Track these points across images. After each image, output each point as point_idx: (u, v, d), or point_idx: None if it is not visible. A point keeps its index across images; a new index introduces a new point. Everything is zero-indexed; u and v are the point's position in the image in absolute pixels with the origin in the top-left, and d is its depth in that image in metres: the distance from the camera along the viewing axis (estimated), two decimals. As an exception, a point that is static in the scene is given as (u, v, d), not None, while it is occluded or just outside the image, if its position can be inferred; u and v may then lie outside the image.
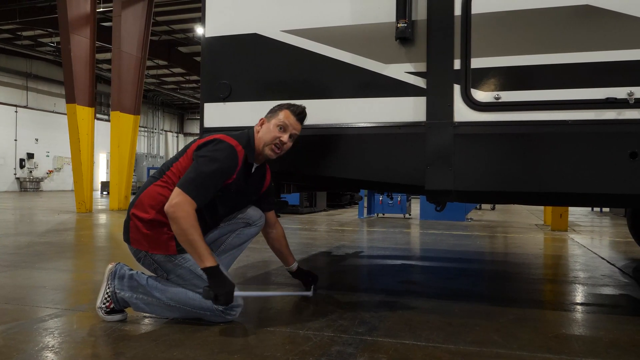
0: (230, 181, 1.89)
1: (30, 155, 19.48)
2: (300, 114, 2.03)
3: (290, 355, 1.54)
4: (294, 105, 2.04)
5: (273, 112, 2.04)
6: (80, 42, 8.32)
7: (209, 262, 1.75)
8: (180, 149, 2.01)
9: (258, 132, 2.02)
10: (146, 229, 1.86)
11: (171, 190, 1.85)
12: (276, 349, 1.60)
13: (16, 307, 2.12)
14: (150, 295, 1.87)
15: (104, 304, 1.88)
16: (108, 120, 11.25)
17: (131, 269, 1.95)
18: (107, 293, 1.89)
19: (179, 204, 1.75)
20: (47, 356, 1.53)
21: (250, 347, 1.63)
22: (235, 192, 1.96)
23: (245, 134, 2.00)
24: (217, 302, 1.77)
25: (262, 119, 2.06)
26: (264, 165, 2.11)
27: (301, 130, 2.07)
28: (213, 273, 1.75)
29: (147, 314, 1.93)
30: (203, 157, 1.84)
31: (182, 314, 1.87)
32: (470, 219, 7.73)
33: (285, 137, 1.99)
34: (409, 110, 2.08)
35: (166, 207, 1.76)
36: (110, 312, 1.88)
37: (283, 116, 2.00)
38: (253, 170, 2.03)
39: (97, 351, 1.61)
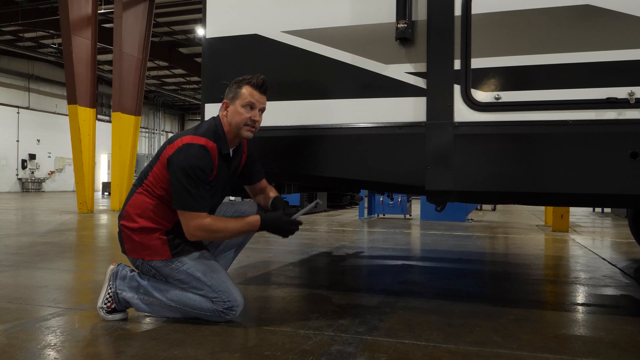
0: (211, 178, 1.87)
1: (32, 156, 19.52)
2: (262, 85, 1.92)
3: (291, 354, 1.55)
4: (252, 77, 1.91)
5: (233, 91, 1.92)
6: (82, 44, 8.34)
7: (254, 225, 1.84)
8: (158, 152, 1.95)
9: (225, 116, 1.93)
10: (137, 237, 1.87)
11: (154, 197, 1.86)
12: (276, 348, 1.60)
13: (18, 306, 2.13)
14: (151, 295, 1.87)
15: (105, 304, 1.89)
16: (109, 121, 11.29)
17: (132, 270, 1.95)
18: (108, 294, 1.90)
19: (195, 226, 1.80)
20: (49, 354, 1.54)
21: (250, 346, 1.63)
22: (222, 182, 1.94)
23: (212, 126, 1.91)
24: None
25: (224, 101, 1.94)
26: (241, 145, 2.04)
27: (302, 130, 2.06)
28: (264, 225, 1.85)
29: (148, 314, 1.94)
30: (180, 169, 1.77)
31: (182, 314, 1.88)
32: (471, 219, 7.73)
33: (256, 115, 1.91)
34: (409, 110, 2.09)
35: (188, 237, 1.84)
36: (111, 311, 1.89)
37: (247, 93, 1.89)
38: (231, 154, 1.97)
39: (99, 350, 1.62)
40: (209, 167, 1.83)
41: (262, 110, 1.96)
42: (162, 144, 1.94)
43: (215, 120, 1.95)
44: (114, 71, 8.85)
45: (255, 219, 1.85)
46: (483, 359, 1.54)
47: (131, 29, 8.80)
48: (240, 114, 1.89)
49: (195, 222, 1.80)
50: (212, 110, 2.41)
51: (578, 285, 2.80)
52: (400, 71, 2.10)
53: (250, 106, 1.90)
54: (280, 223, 1.87)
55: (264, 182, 2.15)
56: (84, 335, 1.74)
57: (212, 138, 1.87)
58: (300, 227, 1.90)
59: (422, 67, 2.06)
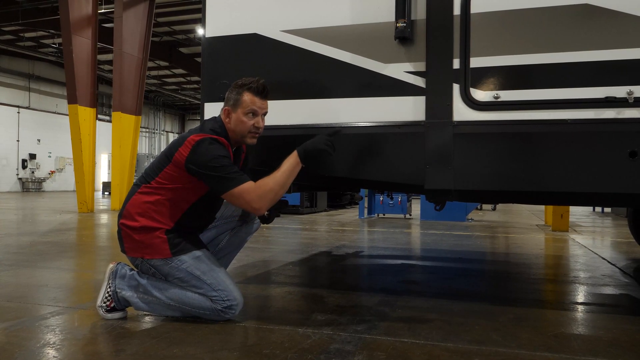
0: None
1: (33, 156, 19.53)
2: (263, 90, 1.91)
3: (290, 353, 1.55)
4: (251, 82, 1.90)
5: (234, 98, 1.91)
6: (82, 43, 8.35)
7: (295, 159, 1.83)
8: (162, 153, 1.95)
9: (229, 123, 1.93)
10: (137, 236, 1.87)
11: (158, 196, 1.86)
12: (275, 346, 1.61)
13: (18, 305, 2.13)
14: (150, 294, 1.88)
15: (104, 302, 1.89)
16: (109, 121, 11.29)
17: (132, 269, 1.96)
18: (107, 292, 1.90)
19: (249, 200, 1.76)
20: (48, 353, 1.54)
21: (249, 344, 1.64)
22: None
23: (217, 127, 1.90)
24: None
25: (226, 108, 1.93)
26: (240, 146, 2.05)
27: (302, 130, 2.06)
28: (304, 151, 1.83)
29: (147, 313, 1.94)
30: (204, 166, 1.77)
31: (181, 313, 1.88)
32: (471, 219, 7.72)
33: (259, 122, 1.92)
34: (408, 109, 2.09)
35: (254, 212, 1.83)
36: (110, 310, 1.89)
37: (248, 101, 1.89)
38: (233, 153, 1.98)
39: (98, 348, 1.62)
40: (228, 153, 1.84)
41: (265, 114, 1.97)
42: (168, 145, 1.94)
43: (218, 121, 1.95)
44: (114, 71, 8.85)
45: (292, 155, 1.83)
46: (482, 357, 1.55)
47: (131, 28, 8.80)
48: (243, 122, 1.90)
49: (249, 196, 1.77)
50: (211, 109, 2.41)
51: (578, 285, 2.80)
52: (399, 70, 2.10)
53: (253, 113, 1.91)
54: (318, 139, 1.84)
55: None
56: (83, 334, 1.75)
57: (222, 136, 1.88)
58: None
59: (421, 66, 2.06)
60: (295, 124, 2.27)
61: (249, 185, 1.78)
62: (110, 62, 14.73)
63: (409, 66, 2.09)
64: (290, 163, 1.84)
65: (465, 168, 2.00)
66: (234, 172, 1.79)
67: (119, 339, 1.68)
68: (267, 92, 1.94)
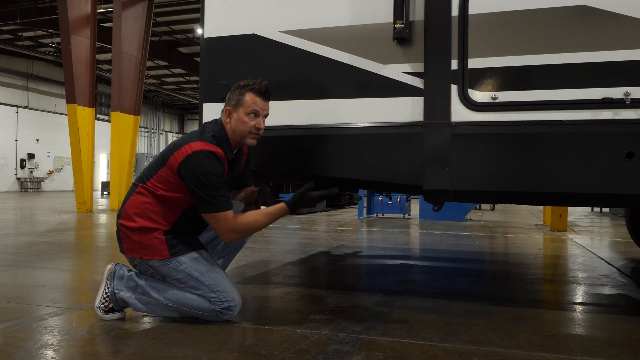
0: None
1: (31, 156, 19.51)
2: (265, 91, 1.90)
3: (288, 353, 1.55)
4: (254, 83, 1.89)
5: (235, 98, 1.90)
6: (81, 43, 8.34)
7: (282, 211, 1.84)
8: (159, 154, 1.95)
9: (229, 124, 1.92)
10: (136, 236, 1.87)
11: (154, 197, 1.87)
12: (273, 347, 1.61)
13: (16, 305, 2.13)
14: (149, 295, 1.88)
15: (102, 303, 1.89)
16: (108, 121, 11.28)
17: (130, 270, 1.96)
18: (106, 293, 1.90)
19: (226, 229, 1.82)
20: (46, 354, 1.54)
21: (248, 345, 1.64)
22: (226, 184, 1.95)
23: (215, 131, 1.89)
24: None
25: (227, 108, 1.92)
26: (241, 148, 2.04)
27: (300, 130, 2.06)
28: (292, 209, 1.84)
29: (146, 314, 1.94)
30: (195, 179, 1.77)
31: (179, 314, 1.89)
32: (470, 219, 7.73)
33: (260, 123, 1.91)
34: (406, 110, 2.09)
35: (225, 240, 1.91)
36: (108, 311, 1.89)
37: (250, 101, 1.88)
38: (233, 157, 1.97)
39: (96, 349, 1.62)
40: (221, 171, 1.83)
41: (266, 116, 1.96)
42: (166, 147, 1.93)
43: (218, 124, 1.93)
44: (113, 70, 8.84)
45: (281, 205, 1.85)
46: (480, 357, 1.55)
47: (130, 28, 8.79)
48: (244, 122, 1.89)
49: (225, 225, 1.81)
50: (210, 109, 2.42)
51: (575, 285, 2.81)
52: (397, 71, 2.11)
53: (254, 114, 1.90)
54: (305, 203, 1.86)
55: (252, 187, 2.16)
56: (81, 335, 1.75)
57: (217, 143, 1.86)
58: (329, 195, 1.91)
59: (419, 67, 2.07)
60: (294, 125, 2.27)
61: (227, 214, 1.81)
62: (109, 62, 14.72)
63: (407, 67, 2.09)
64: (278, 211, 1.85)
65: (463, 169, 2.01)
66: (219, 196, 1.79)
67: (117, 339, 1.68)
68: (269, 94, 1.94)
